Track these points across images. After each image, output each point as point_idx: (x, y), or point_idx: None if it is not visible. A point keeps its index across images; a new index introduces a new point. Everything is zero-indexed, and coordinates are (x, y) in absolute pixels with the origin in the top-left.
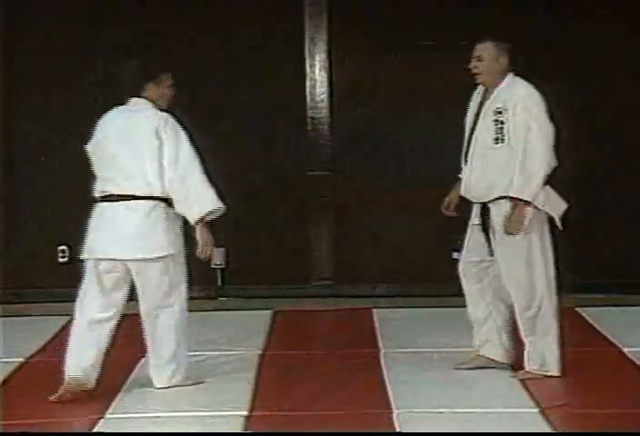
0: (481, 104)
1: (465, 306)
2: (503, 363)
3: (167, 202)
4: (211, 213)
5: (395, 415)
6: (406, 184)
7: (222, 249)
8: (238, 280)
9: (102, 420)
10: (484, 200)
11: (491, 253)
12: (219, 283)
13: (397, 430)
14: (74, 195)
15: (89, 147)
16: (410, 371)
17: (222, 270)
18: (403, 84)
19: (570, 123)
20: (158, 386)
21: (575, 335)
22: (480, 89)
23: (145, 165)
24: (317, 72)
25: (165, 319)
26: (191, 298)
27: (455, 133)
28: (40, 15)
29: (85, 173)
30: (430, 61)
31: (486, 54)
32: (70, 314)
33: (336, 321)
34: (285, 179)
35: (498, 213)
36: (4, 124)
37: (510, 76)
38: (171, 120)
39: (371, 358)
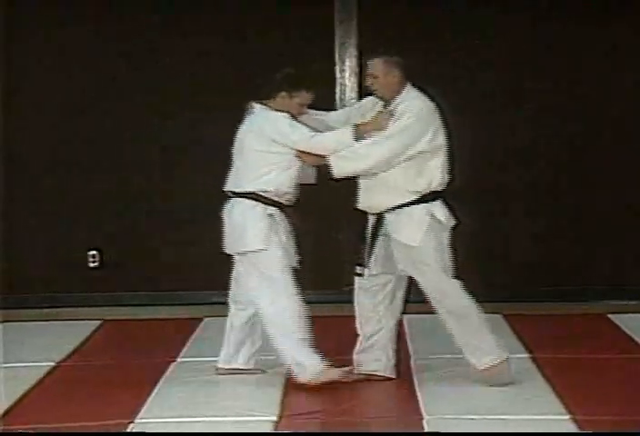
0: None
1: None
2: (383, 376)
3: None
4: None
5: (425, 421)
6: None
7: None
8: None
9: (132, 424)
10: (378, 210)
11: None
12: None
13: None
14: (103, 200)
15: None
16: (440, 378)
17: None
18: (433, 87)
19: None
20: None
21: (607, 342)
22: (378, 101)
23: None
24: (347, 77)
25: None
26: (214, 303)
27: (485, 135)
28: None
29: (110, 177)
30: (461, 63)
31: (378, 71)
32: (101, 319)
33: None
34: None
35: (393, 221)
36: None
37: (407, 88)
38: None
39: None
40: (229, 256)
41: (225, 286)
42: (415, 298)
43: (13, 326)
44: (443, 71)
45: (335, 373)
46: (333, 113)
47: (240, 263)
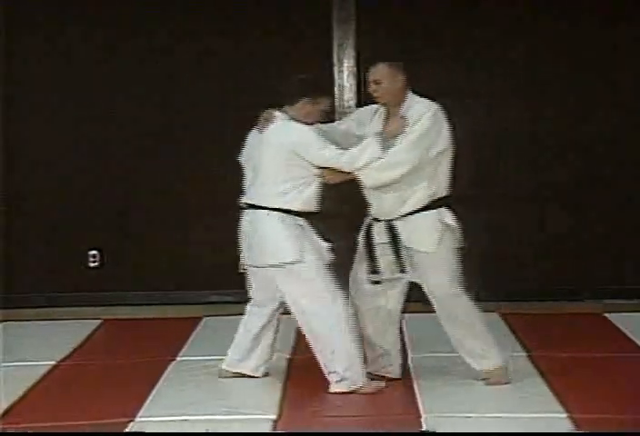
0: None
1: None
2: (391, 379)
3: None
4: None
5: (423, 419)
6: None
7: None
8: None
9: (131, 423)
10: (390, 217)
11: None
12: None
13: None
14: (104, 200)
15: None
16: (438, 376)
17: None
18: (431, 89)
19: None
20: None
21: (605, 341)
22: (379, 108)
23: None
24: (345, 78)
25: None
26: (214, 303)
27: (484, 135)
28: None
29: (111, 177)
30: (458, 67)
31: (383, 76)
32: (101, 318)
33: None
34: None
35: (404, 228)
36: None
37: (410, 95)
38: None
39: None
40: (227, 256)
41: (223, 286)
42: (414, 297)
43: (13, 326)
44: (442, 71)
45: (372, 388)
46: (334, 124)
47: (275, 276)
